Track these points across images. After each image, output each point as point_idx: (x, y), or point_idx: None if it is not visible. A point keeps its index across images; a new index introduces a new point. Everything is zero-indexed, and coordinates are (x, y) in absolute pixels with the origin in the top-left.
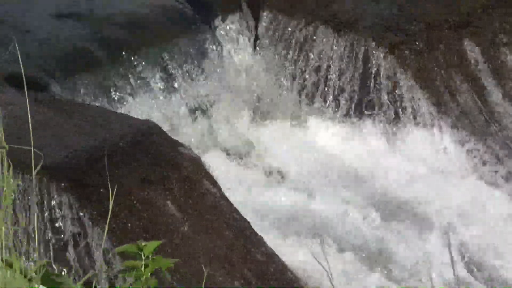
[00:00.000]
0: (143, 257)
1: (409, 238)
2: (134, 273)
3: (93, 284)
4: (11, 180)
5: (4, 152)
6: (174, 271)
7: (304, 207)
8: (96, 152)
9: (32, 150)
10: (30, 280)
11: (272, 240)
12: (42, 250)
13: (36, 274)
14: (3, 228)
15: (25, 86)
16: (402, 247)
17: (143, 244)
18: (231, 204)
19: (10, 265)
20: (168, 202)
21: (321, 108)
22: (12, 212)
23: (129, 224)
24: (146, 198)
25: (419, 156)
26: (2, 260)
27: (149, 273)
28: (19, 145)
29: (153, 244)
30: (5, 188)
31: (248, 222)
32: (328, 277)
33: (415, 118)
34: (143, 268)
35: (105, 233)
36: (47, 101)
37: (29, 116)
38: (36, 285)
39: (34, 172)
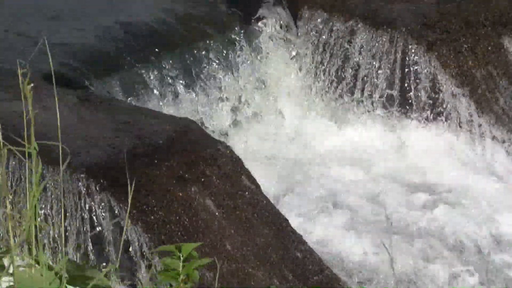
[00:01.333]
0: (181, 258)
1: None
2: (171, 273)
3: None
4: (39, 177)
5: (34, 151)
6: (213, 270)
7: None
8: (134, 150)
9: (60, 147)
10: (57, 275)
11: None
12: (81, 251)
13: (63, 270)
14: (33, 225)
15: (54, 84)
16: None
17: (180, 244)
18: (269, 202)
19: (37, 262)
20: (207, 199)
21: (359, 106)
22: (39, 210)
23: (167, 222)
24: (184, 196)
25: (459, 156)
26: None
27: (186, 274)
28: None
29: (191, 245)
30: (34, 185)
31: (287, 220)
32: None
33: (454, 117)
34: (180, 269)
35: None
36: (83, 99)
37: (57, 112)
38: (63, 281)
39: (62, 168)
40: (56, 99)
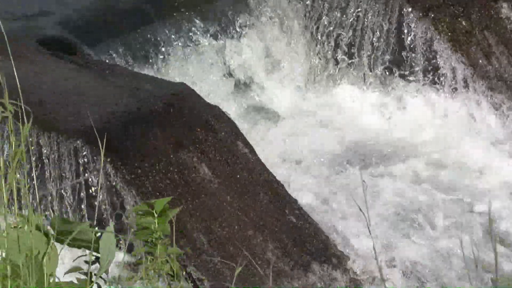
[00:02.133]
0: (156, 215)
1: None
2: (146, 231)
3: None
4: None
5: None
6: (208, 234)
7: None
8: (130, 115)
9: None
10: (46, 234)
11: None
12: (74, 213)
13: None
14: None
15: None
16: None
17: (154, 201)
18: (264, 166)
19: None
20: (203, 165)
21: (355, 67)
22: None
23: (163, 187)
24: (180, 161)
25: (454, 119)
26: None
27: (161, 230)
28: (54, 109)
29: (163, 201)
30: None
31: (282, 185)
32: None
33: (450, 81)
34: (156, 225)
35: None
36: (82, 65)
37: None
38: (52, 239)
39: (27, 127)
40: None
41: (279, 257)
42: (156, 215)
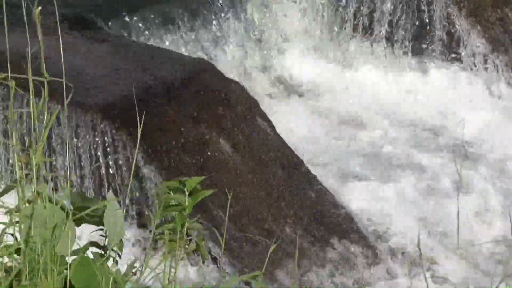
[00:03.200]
0: (186, 193)
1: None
2: (177, 208)
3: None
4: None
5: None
6: (225, 208)
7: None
8: (149, 91)
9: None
10: (62, 208)
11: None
12: (95, 189)
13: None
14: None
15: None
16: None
17: (185, 179)
18: (284, 142)
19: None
20: (221, 139)
21: (373, 43)
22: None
23: (182, 162)
24: (198, 136)
25: (473, 96)
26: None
27: (191, 207)
28: (73, 84)
29: (195, 179)
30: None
31: (302, 160)
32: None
33: (469, 56)
34: (186, 203)
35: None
36: (101, 41)
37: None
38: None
39: (66, 102)
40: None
41: (298, 232)
42: (187, 193)
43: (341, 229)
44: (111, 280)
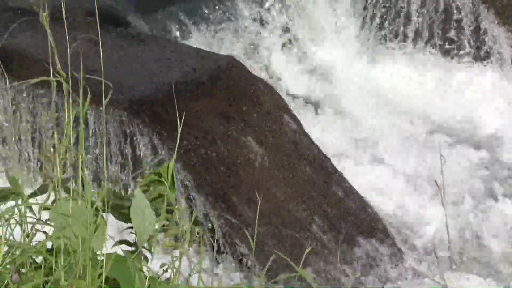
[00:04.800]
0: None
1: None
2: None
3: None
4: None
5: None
6: (253, 205)
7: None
8: (176, 87)
9: (103, 82)
10: (96, 208)
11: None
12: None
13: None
14: (80, 158)
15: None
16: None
17: (160, 167)
18: (311, 140)
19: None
20: (249, 137)
21: (399, 42)
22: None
23: (209, 159)
24: (225, 133)
25: (501, 95)
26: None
27: (173, 188)
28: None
29: (166, 167)
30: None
31: (329, 158)
32: None
33: (497, 55)
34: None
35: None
36: (130, 37)
37: (101, 47)
38: (101, 213)
39: (104, 102)
40: (100, 34)
41: (324, 230)
42: (167, 183)
43: (368, 228)
44: (147, 278)
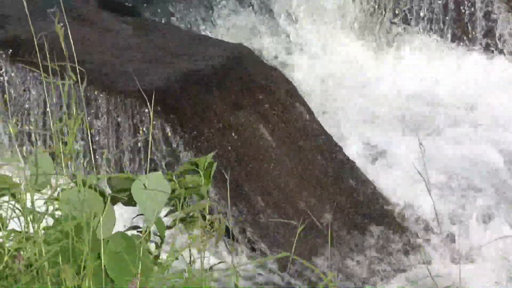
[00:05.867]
0: (201, 172)
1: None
2: (194, 190)
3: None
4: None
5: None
6: (265, 194)
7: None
8: (188, 77)
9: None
10: (102, 194)
11: None
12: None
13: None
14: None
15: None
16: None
17: (196, 159)
18: (323, 129)
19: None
20: (260, 126)
21: (413, 31)
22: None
23: (222, 148)
24: (238, 122)
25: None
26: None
27: (208, 182)
28: (113, 69)
29: (205, 158)
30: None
31: (341, 147)
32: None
33: (506, 44)
34: (202, 180)
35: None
36: (141, 26)
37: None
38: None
39: (82, 88)
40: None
41: (336, 219)
42: (202, 172)
43: (379, 217)
44: (149, 260)
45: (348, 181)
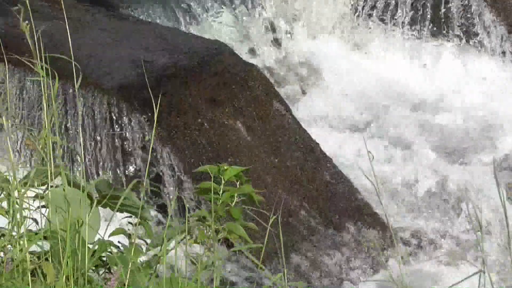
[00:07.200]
0: (223, 182)
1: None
2: (212, 196)
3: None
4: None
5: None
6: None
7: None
8: (165, 72)
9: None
10: (89, 196)
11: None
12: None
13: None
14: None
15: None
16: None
17: (225, 167)
18: (300, 125)
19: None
20: (237, 122)
21: (388, 26)
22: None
23: (198, 144)
24: (214, 118)
25: (488, 78)
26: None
27: (228, 198)
28: (89, 65)
29: (235, 170)
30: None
31: (317, 143)
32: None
33: (485, 40)
34: (221, 192)
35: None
36: (119, 21)
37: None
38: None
39: (77, 85)
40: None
41: (313, 216)
42: (223, 181)
43: (356, 213)
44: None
45: (325, 177)
